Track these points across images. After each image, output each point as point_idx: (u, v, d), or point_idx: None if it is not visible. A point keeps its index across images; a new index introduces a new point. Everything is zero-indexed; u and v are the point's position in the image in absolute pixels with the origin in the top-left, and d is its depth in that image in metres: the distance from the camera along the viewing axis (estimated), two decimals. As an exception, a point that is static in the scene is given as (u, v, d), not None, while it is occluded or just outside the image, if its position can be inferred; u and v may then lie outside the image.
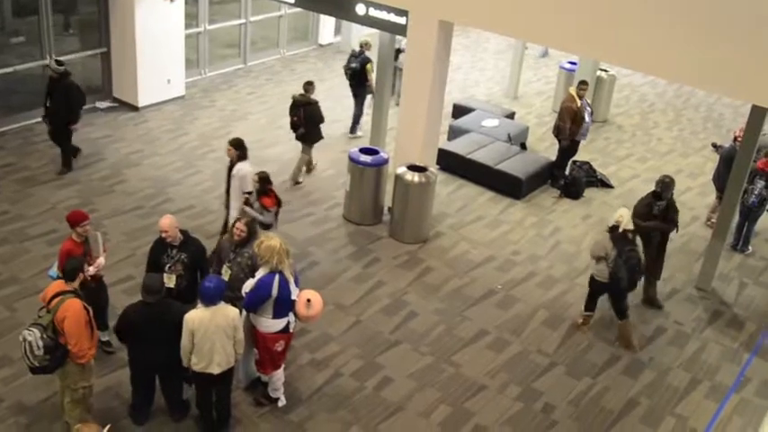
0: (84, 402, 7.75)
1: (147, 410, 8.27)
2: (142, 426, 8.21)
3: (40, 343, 7.20)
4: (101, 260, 8.71)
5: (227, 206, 10.79)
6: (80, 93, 12.91)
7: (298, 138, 13.47)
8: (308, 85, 13.36)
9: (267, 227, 9.94)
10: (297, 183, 13.47)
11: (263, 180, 10.18)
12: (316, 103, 13.39)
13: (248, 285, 8.01)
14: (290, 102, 13.44)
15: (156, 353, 7.75)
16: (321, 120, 13.44)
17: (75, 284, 7.49)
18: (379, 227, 12.34)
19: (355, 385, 9.10)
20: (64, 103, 12.58)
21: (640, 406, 9.21)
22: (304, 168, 13.66)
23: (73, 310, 7.24)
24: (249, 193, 10.32)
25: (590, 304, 10.44)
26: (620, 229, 9.82)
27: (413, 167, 11.87)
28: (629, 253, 9.80)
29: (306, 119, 13.25)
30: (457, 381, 9.35)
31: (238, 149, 10.59)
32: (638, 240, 10.24)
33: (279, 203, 10.38)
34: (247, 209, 10.18)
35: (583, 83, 14.09)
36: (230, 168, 10.69)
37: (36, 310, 7.64)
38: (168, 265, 8.45)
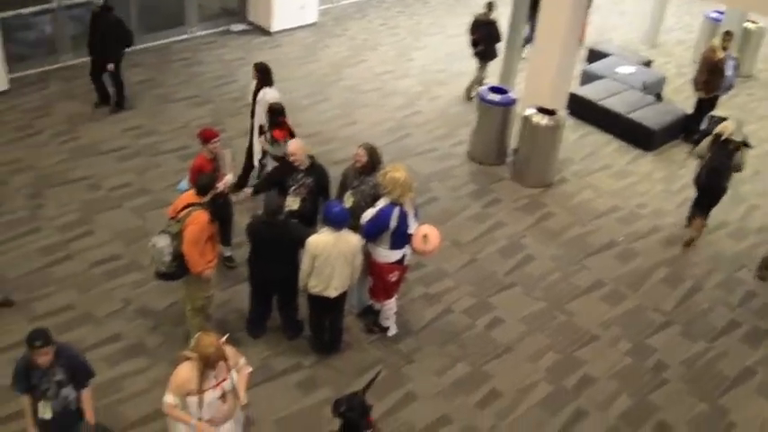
0: (203, 312, 8.09)
1: (262, 326, 8.57)
2: (257, 339, 8.52)
3: (169, 250, 7.52)
4: (229, 177, 8.96)
5: (251, 133, 10.64)
6: (122, 30, 12.17)
7: (476, 54, 13.87)
8: (489, 6, 13.65)
9: (279, 159, 9.58)
10: (469, 98, 13.64)
11: (275, 111, 9.86)
12: (495, 22, 13.68)
13: (368, 215, 8.08)
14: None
15: (274, 271, 7.98)
16: (498, 39, 13.76)
17: (206, 199, 7.74)
18: (502, 168, 12.18)
19: (466, 322, 9.12)
20: (113, 38, 12.07)
21: (758, 376, 8.86)
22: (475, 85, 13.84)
23: (199, 221, 7.49)
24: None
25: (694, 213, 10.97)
26: (722, 138, 10.29)
27: (542, 110, 11.60)
28: (718, 159, 10.30)
29: (485, 37, 13.64)
30: (568, 329, 9.24)
31: (262, 74, 10.40)
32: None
33: (292, 136, 10.01)
34: (260, 140, 10.11)
35: (727, 34, 13.29)
36: (255, 94, 10.51)
37: (165, 220, 7.97)
38: (293, 188, 8.60)
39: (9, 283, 8.93)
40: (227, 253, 9.35)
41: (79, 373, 6.28)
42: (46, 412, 6.19)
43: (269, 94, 10.29)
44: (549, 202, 11.55)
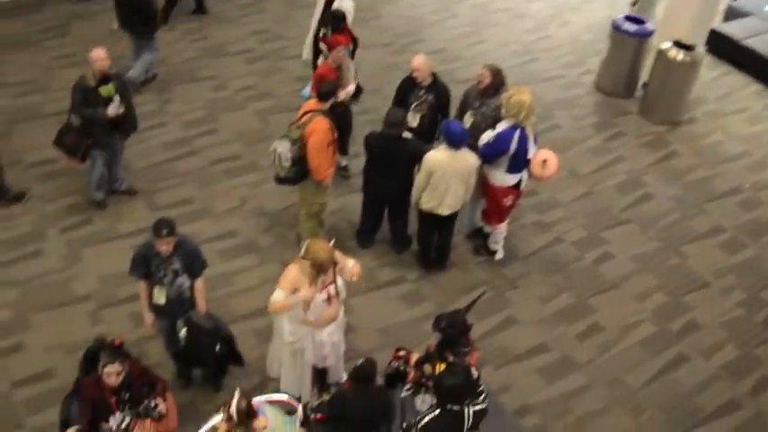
0: (317, 218, 8.26)
1: (371, 237, 8.71)
2: (365, 249, 8.67)
3: (288, 155, 7.66)
4: (350, 87, 9.00)
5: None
6: None
7: None
8: None
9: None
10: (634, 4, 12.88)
11: (337, 18, 9.60)
12: None
13: (487, 136, 7.99)
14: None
15: (388, 184, 8.04)
16: None
17: (326, 106, 7.81)
18: (629, 101, 11.76)
19: (574, 254, 9.01)
20: None
21: None
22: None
23: (320, 128, 7.59)
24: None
25: None
26: None
27: (679, 44, 11.06)
28: None
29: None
30: (680, 272, 9.00)
31: None
32: None
33: (354, 43, 9.78)
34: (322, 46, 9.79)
35: None
36: (328, 2, 10.23)
37: (286, 124, 8.11)
38: (414, 104, 8.56)
39: (134, 173, 9.34)
40: (344, 162, 9.45)
41: (195, 264, 6.55)
42: (160, 298, 6.51)
43: (344, 5, 10.08)
44: (676, 141, 11.12)
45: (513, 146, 7.82)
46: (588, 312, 8.33)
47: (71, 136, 8.27)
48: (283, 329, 6.41)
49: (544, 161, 7.95)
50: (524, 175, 8.15)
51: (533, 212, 9.48)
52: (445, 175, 7.64)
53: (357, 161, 9.23)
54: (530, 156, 7.97)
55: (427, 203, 7.88)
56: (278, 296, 6.20)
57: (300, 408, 6.48)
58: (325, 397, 6.53)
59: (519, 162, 7.97)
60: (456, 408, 5.36)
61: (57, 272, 8.17)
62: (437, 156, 7.66)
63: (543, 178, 8.14)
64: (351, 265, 6.45)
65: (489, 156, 7.97)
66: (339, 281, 6.28)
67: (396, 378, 6.70)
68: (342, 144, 8.87)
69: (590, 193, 9.94)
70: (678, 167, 10.60)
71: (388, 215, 8.53)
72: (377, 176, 8.13)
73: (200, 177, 9.47)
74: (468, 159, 7.71)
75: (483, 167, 8.06)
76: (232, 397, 5.57)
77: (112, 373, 5.70)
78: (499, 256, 8.77)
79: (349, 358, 6.84)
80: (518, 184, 8.19)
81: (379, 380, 6.47)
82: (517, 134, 7.80)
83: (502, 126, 7.92)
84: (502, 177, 8.08)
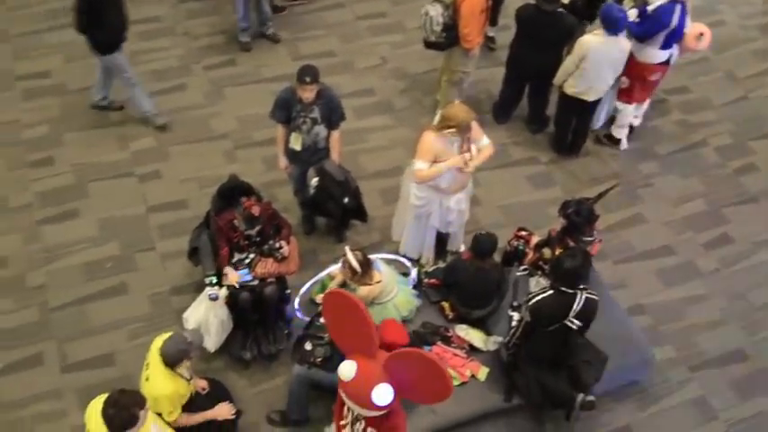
0: (458, 86, 8.13)
1: (509, 112, 8.56)
2: (500, 124, 8.54)
3: (440, 19, 7.52)
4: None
5: None
6: None
7: None
8: None
9: None
10: None
11: None
12: None
13: (633, 15, 7.57)
14: None
15: (535, 60, 7.80)
16: None
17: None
18: (805, 5, 10.86)
19: (716, 160, 8.60)
20: None
21: None
22: None
23: (473, -5, 7.40)
24: None
25: None
26: None
27: None
28: None
29: None
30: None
31: None
32: None
33: None
34: None
35: None
36: None
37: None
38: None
39: (279, 18, 9.38)
40: (491, 33, 9.20)
41: (334, 115, 6.61)
42: (297, 144, 6.63)
43: None
44: None
45: (676, 21, 7.48)
46: (720, 222, 8.01)
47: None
48: (410, 192, 6.45)
49: (701, 34, 7.65)
50: (675, 50, 7.81)
51: (681, 111, 9.04)
52: (598, 61, 7.36)
53: (505, 34, 8.96)
54: (686, 30, 7.67)
55: (573, 88, 7.64)
56: (420, 166, 6.16)
57: (415, 271, 6.63)
58: (442, 264, 6.66)
59: (675, 37, 7.65)
60: (569, 291, 5.35)
61: (198, 107, 8.45)
62: (593, 40, 7.35)
63: (695, 50, 7.88)
64: (486, 141, 6.36)
65: (648, 33, 7.57)
66: (473, 149, 6.21)
67: (513, 257, 6.74)
68: (492, 14, 8.61)
69: (745, 98, 9.35)
70: None
71: (529, 93, 8.34)
72: (524, 51, 7.88)
73: (344, 31, 9.45)
74: (623, 47, 7.38)
75: (631, 44, 7.61)
76: (344, 253, 5.73)
77: (250, 206, 5.96)
78: (624, 146, 8.48)
79: (469, 230, 6.86)
80: (668, 60, 7.86)
81: (497, 256, 6.51)
82: (678, 8, 7.46)
83: (659, 1, 7.49)
84: (653, 54, 7.73)
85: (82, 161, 7.87)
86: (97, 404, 4.51)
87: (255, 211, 5.99)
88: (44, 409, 6.11)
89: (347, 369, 4.39)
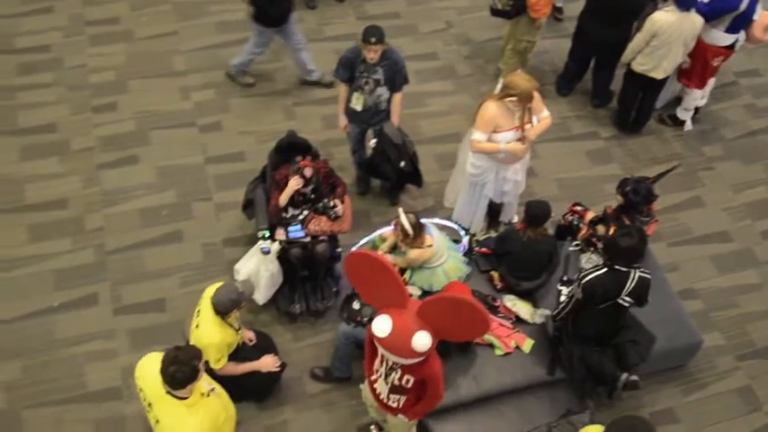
0: (522, 56, 8.03)
1: (572, 86, 8.46)
2: (562, 97, 8.45)
3: (507, -16, 7.45)
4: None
5: None
6: None
7: None
8: None
9: None
10: None
11: None
12: None
13: None
14: None
15: (604, 33, 7.68)
16: None
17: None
18: None
19: (783, 147, 8.41)
20: None
21: None
22: None
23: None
24: None
25: None
26: None
27: None
28: None
29: None
30: None
31: None
32: None
33: None
34: None
35: None
36: None
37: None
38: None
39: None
40: (559, 3, 9.06)
41: (397, 78, 6.58)
42: (358, 104, 6.63)
43: None
44: None
45: (744, 4, 7.27)
46: (781, 210, 7.86)
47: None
48: (467, 161, 6.41)
49: (769, 25, 7.45)
50: (741, 35, 7.60)
51: (750, 94, 8.82)
52: (669, 38, 7.20)
53: (573, 5, 8.81)
54: (755, 17, 7.43)
55: (642, 65, 7.50)
56: (479, 137, 6.11)
57: (466, 239, 6.62)
58: (493, 233, 6.63)
59: (742, 22, 7.45)
60: (623, 269, 5.29)
61: (261, 62, 8.47)
62: (665, 17, 7.18)
63: (762, 41, 7.62)
64: (545, 114, 6.28)
65: (716, 13, 7.39)
66: (534, 120, 6.14)
67: (566, 231, 6.68)
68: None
69: (818, 85, 9.10)
70: None
71: (595, 66, 8.20)
72: (593, 24, 7.74)
73: (411, -6, 9.39)
74: (696, 23, 7.21)
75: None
76: (398, 215, 5.74)
77: (304, 166, 6.00)
78: (688, 127, 8.31)
79: (523, 201, 6.82)
80: (733, 45, 7.65)
81: (550, 229, 6.46)
82: (751, -6, 7.27)
83: (732, -19, 7.31)
84: (718, 36, 7.54)
85: (144, 109, 7.97)
86: (149, 364, 4.54)
87: (308, 172, 6.02)
88: (96, 348, 6.27)
89: (382, 325, 4.40)
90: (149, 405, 4.43)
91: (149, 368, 4.47)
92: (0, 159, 7.46)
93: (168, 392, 4.29)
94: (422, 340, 4.35)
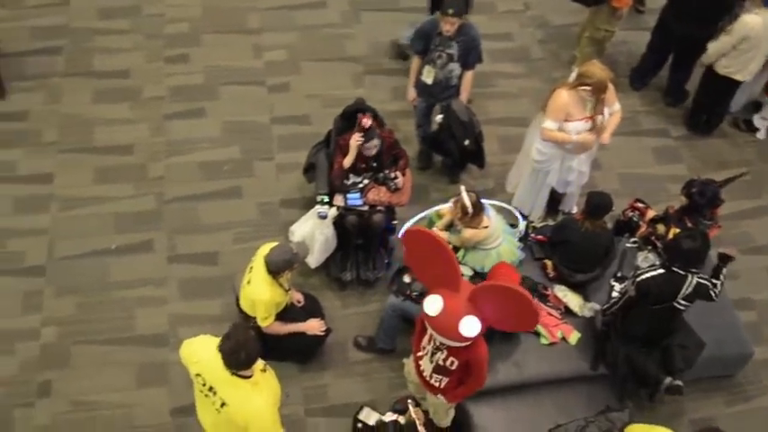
0: (599, 45, 7.86)
1: (646, 80, 8.31)
2: (634, 91, 8.30)
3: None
4: None
5: None
6: None
7: None
8: None
9: None
10: None
11: None
12: None
13: None
14: None
15: (686, 29, 7.52)
16: None
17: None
18: None
19: None
20: None
21: None
22: None
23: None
24: None
25: None
26: None
27: None
28: None
29: None
30: None
31: None
32: None
33: None
34: None
35: None
36: None
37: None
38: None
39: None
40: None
41: (471, 55, 6.52)
42: (428, 77, 6.59)
43: None
44: None
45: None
46: None
47: None
48: (533, 147, 6.34)
49: None
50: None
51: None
52: (758, 42, 7.01)
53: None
54: None
55: (726, 68, 7.32)
56: (549, 125, 6.04)
57: (524, 224, 6.57)
58: (551, 222, 6.57)
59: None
60: (681, 272, 5.20)
61: (334, 27, 8.48)
62: (757, 20, 6.98)
63: None
64: (617, 107, 6.18)
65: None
66: (606, 112, 6.04)
67: (625, 227, 6.59)
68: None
69: None
70: None
71: (672, 62, 8.02)
72: (676, 18, 7.57)
73: (490, -29, 9.26)
74: (787, 24, 7.03)
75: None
76: (459, 193, 5.71)
77: (371, 147, 6.01)
78: (761, 135, 8.10)
79: (584, 193, 6.72)
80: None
81: (609, 224, 6.38)
82: None
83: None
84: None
85: (215, 63, 8.04)
86: (202, 348, 4.41)
87: (366, 123, 5.98)
88: (147, 294, 6.39)
89: (433, 304, 4.44)
90: (210, 389, 4.36)
91: (204, 352, 4.37)
92: (74, 100, 7.61)
93: (234, 374, 4.24)
94: (470, 325, 4.36)
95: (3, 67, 7.62)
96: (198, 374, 4.41)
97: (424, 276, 4.74)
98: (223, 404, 4.33)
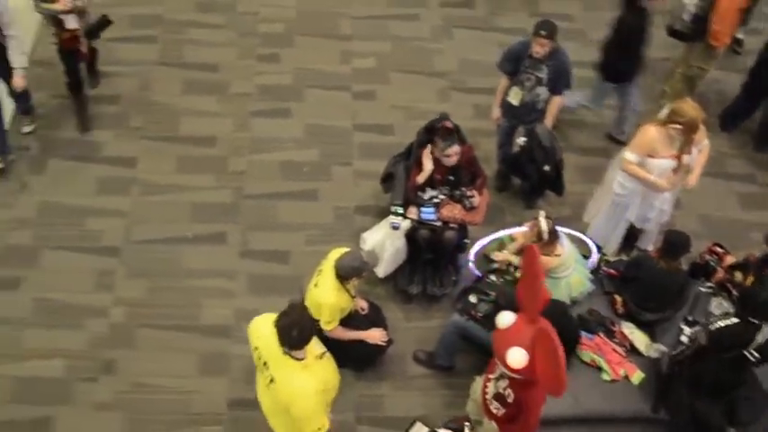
0: (691, 82, 7.73)
1: (737, 123, 8.08)
2: (722, 132, 8.08)
3: (692, 9, 7.23)
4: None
5: None
6: None
7: None
8: None
9: None
10: None
11: None
12: None
13: None
14: None
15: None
16: None
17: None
18: None
19: None
20: None
21: None
22: None
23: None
24: None
25: None
26: None
27: None
28: None
29: None
30: None
31: None
32: None
33: None
34: None
35: None
36: None
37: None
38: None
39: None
40: (740, 35, 8.65)
41: (561, 80, 6.49)
42: (515, 99, 6.57)
43: None
44: None
45: None
46: None
47: None
48: (615, 179, 6.25)
49: None
50: None
51: None
52: None
53: (755, 38, 8.41)
54: None
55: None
56: (631, 158, 5.97)
57: (597, 256, 6.47)
58: (624, 257, 6.45)
59: None
60: (756, 323, 5.05)
61: (424, 41, 8.52)
62: None
63: None
64: (705, 144, 6.04)
65: None
66: (694, 152, 5.92)
67: (700, 271, 6.41)
68: (747, 12, 8.05)
69: None
70: None
71: (766, 108, 7.80)
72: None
73: (585, -1, 9.18)
74: None
75: None
76: (536, 217, 5.66)
77: (452, 153, 5.99)
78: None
79: (663, 231, 6.59)
80: None
81: (684, 265, 6.23)
82: None
83: None
84: None
85: (304, 66, 8.16)
86: (264, 324, 4.49)
87: (449, 125, 5.98)
88: (216, 285, 6.50)
89: (506, 319, 4.50)
90: (264, 364, 4.47)
91: (265, 327, 4.47)
92: (163, 89, 7.81)
93: (286, 353, 4.32)
94: (515, 355, 4.38)
95: (100, 53, 7.85)
96: (256, 348, 4.54)
97: (523, 293, 4.71)
98: (272, 380, 4.42)
